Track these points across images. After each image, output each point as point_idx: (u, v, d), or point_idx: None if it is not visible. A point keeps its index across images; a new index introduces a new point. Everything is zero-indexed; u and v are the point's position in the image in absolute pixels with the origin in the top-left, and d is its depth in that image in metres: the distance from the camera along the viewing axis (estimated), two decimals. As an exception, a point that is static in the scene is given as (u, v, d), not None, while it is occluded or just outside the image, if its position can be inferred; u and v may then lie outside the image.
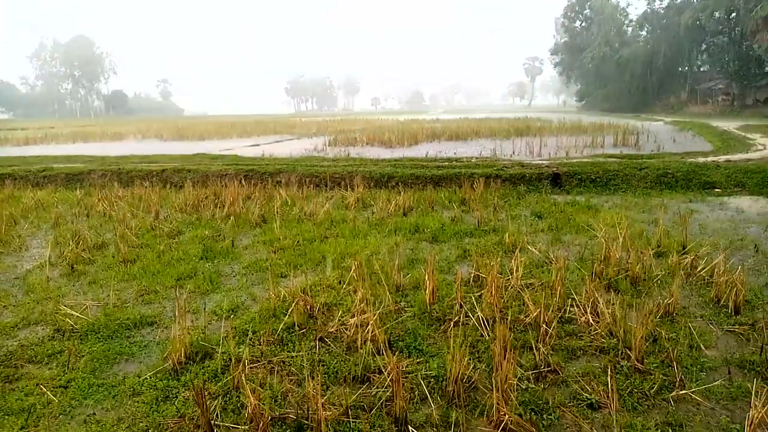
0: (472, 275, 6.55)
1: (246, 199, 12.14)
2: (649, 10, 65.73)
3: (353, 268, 6.43)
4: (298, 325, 5.27)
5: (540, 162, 14.70)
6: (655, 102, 63.78)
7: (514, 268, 6.52)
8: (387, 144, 24.59)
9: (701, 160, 14.46)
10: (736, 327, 5.04)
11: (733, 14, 52.84)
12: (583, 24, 78.33)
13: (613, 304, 5.52)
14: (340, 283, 6.49)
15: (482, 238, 8.57)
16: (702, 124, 31.76)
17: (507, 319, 5.26)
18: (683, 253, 7.18)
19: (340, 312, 5.58)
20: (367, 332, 4.81)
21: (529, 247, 7.41)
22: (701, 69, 64.65)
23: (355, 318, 5.13)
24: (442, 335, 5.07)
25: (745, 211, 10.22)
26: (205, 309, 5.88)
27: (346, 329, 5.07)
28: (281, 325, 5.17)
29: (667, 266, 6.84)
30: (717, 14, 55.49)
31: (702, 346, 4.69)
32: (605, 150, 19.02)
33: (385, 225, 9.56)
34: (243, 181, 13.88)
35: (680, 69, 64.30)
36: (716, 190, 12.15)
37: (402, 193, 12.43)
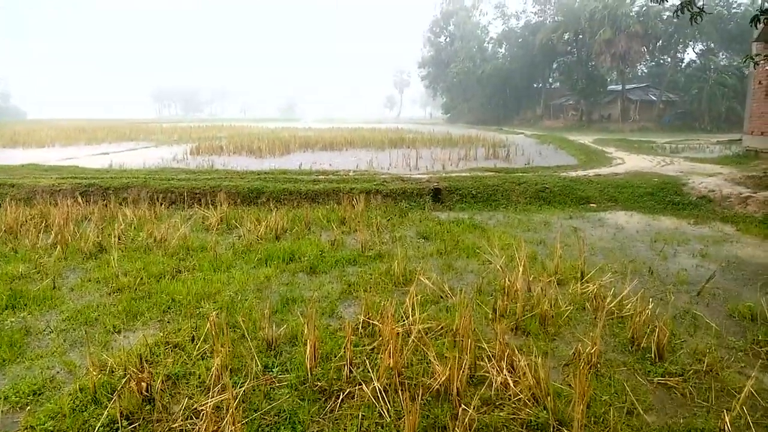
0: (361, 321, 5.39)
1: (81, 222, 10.07)
2: (506, 28, 69.69)
3: (211, 318, 5.00)
4: (126, 417, 3.77)
5: (419, 176, 14.03)
6: (514, 116, 67.59)
7: (410, 309, 5.48)
8: (256, 153, 22.91)
9: (573, 174, 14.64)
10: (667, 378, 4.37)
11: (581, 36, 57.39)
12: (447, 39, 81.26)
13: (528, 353, 4.67)
14: (192, 340, 5.02)
15: (368, 267, 7.48)
16: (560, 137, 33.59)
17: (410, 385, 4.18)
18: (584, 281, 6.61)
19: (191, 388, 4.16)
20: (225, 425, 3.46)
21: (422, 279, 6.43)
22: (554, 86, 69.60)
23: (210, 399, 3.75)
24: (328, 418, 3.85)
25: (624, 228, 10.15)
26: (-9, 393, 4.15)
27: (197, 420, 3.67)
28: (100, 422, 3.65)
29: (572, 298, 6.20)
30: (567, 35, 60.07)
31: (640, 410, 3.92)
32: (479, 162, 18.97)
33: (253, 252, 8.14)
34: (80, 198, 11.65)
35: (535, 85, 68.76)
36: (591, 205, 12.17)
37: (274, 211, 11.06)
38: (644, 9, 49.87)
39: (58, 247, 8.14)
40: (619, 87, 55.72)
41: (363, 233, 8.71)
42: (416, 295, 5.68)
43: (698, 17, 9.72)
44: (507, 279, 6.40)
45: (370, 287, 6.60)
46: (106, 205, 11.35)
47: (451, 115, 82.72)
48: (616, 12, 48.81)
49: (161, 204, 11.81)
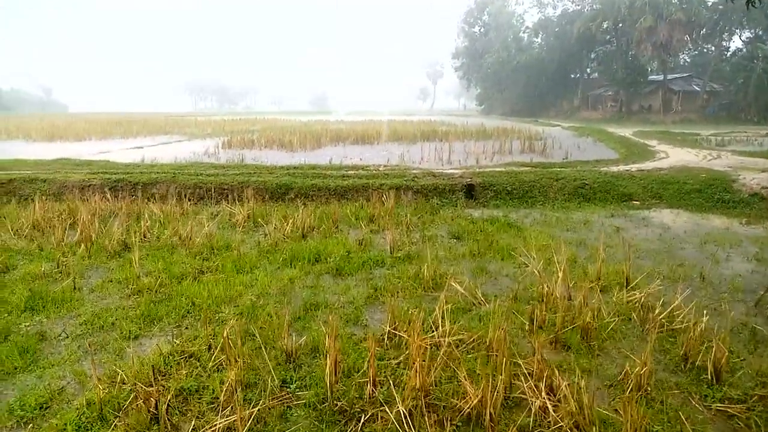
0: (387, 331, 5.05)
1: (108, 218, 9.98)
2: (542, 17, 68.04)
3: (229, 325, 4.73)
4: (132, 438, 3.52)
5: (452, 171, 13.58)
6: (550, 107, 66.08)
7: (439, 318, 5.12)
8: (287, 147, 22.72)
9: (614, 169, 13.97)
10: (727, 405, 3.91)
11: (620, 25, 55.62)
12: (482, 29, 79.88)
13: (570, 371, 4.26)
14: (209, 349, 4.76)
15: (396, 269, 7.13)
16: (599, 129, 32.53)
17: (438, 408, 3.82)
18: (629, 288, 6.13)
19: (202, 405, 3.89)
20: (236, 453, 3.17)
21: (453, 284, 6.04)
22: (591, 76, 67.72)
23: (219, 421, 3.47)
24: (349, 445, 3.53)
25: (671, 228, 9.54)
26: (-2, 406, 3.96)
27: (205, 445, 3.39)
28: (103, 445, 3.40)
29: (617, 308, 5.72)
30: (605, 24, 58.32)
31: (700, 444, 3.49)
32: (514, 156, 18.35)
33: (278, 252, 7.87)
34: (109, 193, 11.60)
35: (572, 76, 67.02)
36: (634, 202, 11.55)
37: (302, 207, 10.80)
38: (687, -5, 47.92)
39: (82, 245, 8.03)
40: (661, 77, 53.80)
41: (392, 232, 8.35)
42: (446, 303, 5.32)
43: (755, 1, 9.01)
44: (545, 285, 5.98)
45: (398, 292, 6.25)
46: (135, 201, 11.27)
47: (485, 106, 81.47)
48: (657, -1, 47.04)
49: (189, 200, 11.68)
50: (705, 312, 5.19)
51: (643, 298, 5.72)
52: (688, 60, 60.97)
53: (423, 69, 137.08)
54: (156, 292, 6.29)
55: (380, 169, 14.17)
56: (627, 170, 13.78)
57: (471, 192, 12.00)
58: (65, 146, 24.53)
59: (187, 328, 5.35)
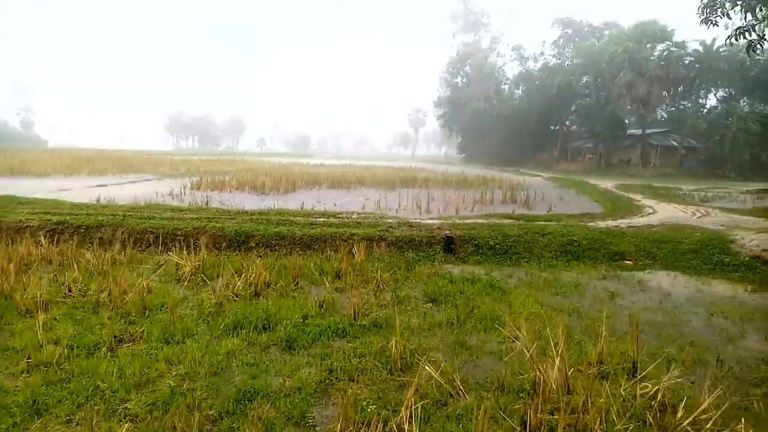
0: (337, 438, 3.87)
1: (38, 266, 8.70)
2: (523, 70, 69.05)
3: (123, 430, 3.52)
4: None
5: (430, 221, 12.57)
6: (530, 157, 66.29)
7: (406, 418, 3.97)
8: (259, 189, 21.64)
9: (602, 224, 13.10)
10: None
11: (600, 79, 56.46)
12: (464, 80, 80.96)
13: None
14: (92, 465, 3.53)
15: (359, 342, 5.96)
16: (580, 181, 32.13)
17: None
18: (636, 379, 5.04)
19: None
20: None
21: (426, 367, 4.90)
22: (571, 128, 68.41)
23: None
24: None
25: (671, 295, 8.55)
26: None
27: None
28: None
29: (626, 404, 4.62)
30: (585, 78, 59.22)
31: None
32: (495, 207, 17.49)
33: (222, 315, 6.67)
34: (44, 237, 10.30)
35: (552, 127, 67.59)
36: (627, 262, 10.59)
37: (261, 258, 9.67)
38: (665, 53, 48.79)
39: (-11, 301, 6.74)
40: (639, 131, 54.38)
41: (357, 293, 7.22)
42: (417, 393, 4.19)
43: (757, 46, 8.40)
44: (538, 370, 4.86)
45: (358, 375, 5.08)
46: (74, 246, 10.00)
47: (466, 155, 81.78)
48: (636, 56, 47.76)
49: (137, 246, 10.46)
50: (741, 418, 4.12)
51: (657, 393, 4.64)
52: (665, 115, 61.84)
53: (406, 116, 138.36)
54: (56, 368, 5.03)
55: (353, 217, 13.11)
56: (616, 226, 12.91)
57: (450, 245, 10.97)
58: (23, 183, 23.14)
59: (78, 424, 4.11)
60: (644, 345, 5.97)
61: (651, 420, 4.37)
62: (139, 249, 10.49)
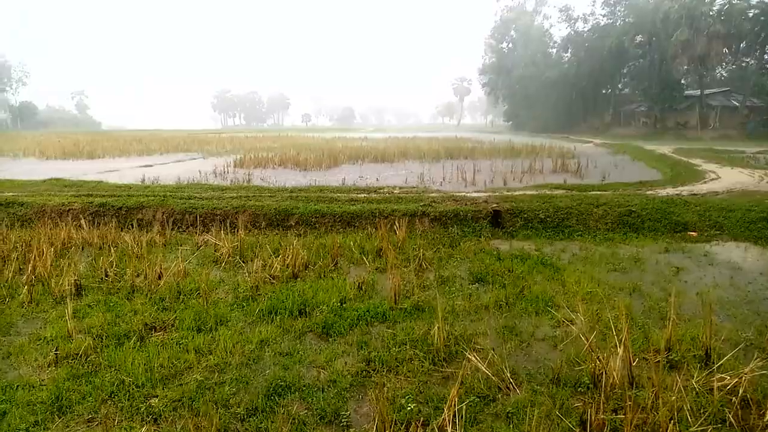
0: (372, 443, 3.50)
1: (73, 250, 8.65)
2: (572, 32, 66.10)
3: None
4: None
5: (476, 195, 11.99)
6: (580, 123, 63.84)
7: (449, 417, 3.56)
8: (302, 166, 21.39)
9: (662, 193, 12.22)
10: None
11: (654, 39, 53.50)
12: (510, 45, 78.39)
13: None
14: (109, 472, 3.27)
15: (400, 327, 5.57)
16: (635, 147, 30.59)
17: None
18: (711, 369, 4.45)
19: None
20: None
21: (471, 357, 4.46)
22: (624, 91, 65.37)
23: None
24: None
25: (742, 268, 7.79)
26: None
27: None
28: None
29: (700, 400, 4.06)
30: (639, 38, 56.22)
31: None
32: (545, 177, 16.69)
33: (258, 300, 6.39)
34: (84, 220, 10.30)
35: (604, 91, 64.72)
36: (691, 233, 9.79)
37: (300, 236, 9.40)
38: (726, 7, 45.55)
39: (26, 287, 6.66)
40: (697, 92, 51.33)
41: (398, 274, 6.80)
42: (462, 387, 3.77)
43: None
44: (597, 360, 4.36)
45: (398, 366, 4.69)
46: (115, 228, 9.95)
47: (513, 122, 79.63)
48: (694, 11, 44.82)
49: (177, 227, 10.36)
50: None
51: (737, 387, 4.06)
52: (725, 74, 58.28)
53: (450, 85, 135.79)
54: (83, 359, 4.84)
55: (395, 191, 12.65)
56: (677, 194, 12.00)
57: (497, 220, 10.40)
58: (74, 165, 23.67)
59: (99, 424, 3.88)
60: (717, 328, 5.34)
61: (731, 419, 3.80)
62: (179, 230, 10.38)
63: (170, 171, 19.52)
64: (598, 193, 12.09)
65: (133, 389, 4.30)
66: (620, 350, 4.36)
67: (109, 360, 4.80)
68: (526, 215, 10.39)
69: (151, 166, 22.65)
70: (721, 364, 4.48)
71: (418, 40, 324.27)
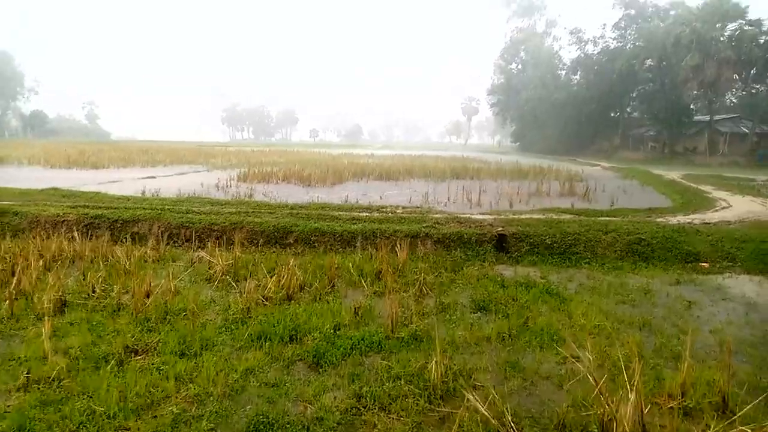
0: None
1: (63, 263, 8.38)
2: (582, 54, 66.13)
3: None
4: None
5: (481, 217, 11.69)
6: (588, 146, 63.55)
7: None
8: (306, 181, 21.16)
9: (672, 221, 11.87)
10: None
11: (664, 63, 53.40)
12: (519, 66, 78.61)
13: None
14: None
15: (395, 358, 5.24)
16: (644, 171, 30.27)
17: None
18: (732, 420, 4.09)
19: None
20: None
21: (469, 395, 4.13)
22: (632, 115, 65.13)
23: None
24: None
25: (757, 304, 7.43)
26: None
27: None
28: None
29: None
30: (648, 62, 56.16)
31: None
32: (552, 200, 16.39)
33: (248, 322, 6.08)
34: (77, 232, 10.05)
35: (612, 114, 64.47)
36: (703, 264, 9.44)
37: (298, 255, 9.12)
38: (737, 33, 45.43)
39: (6, 303, 6.37)
40: (707, 117, 51.03)
41: (398, 299, 6.49)
42: (459, 428, 3.44)
43: None
44: (606, 404, 4.01)
45: (391, 403, 4.35)
46: (108, 241, 9.70)
47: (521, 143, 79.51)
48: (705, 36, 44.70)
49: (172, 241, 10.11)
50: None
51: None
52: (735, 100, 58.01)
53: (458, 104, 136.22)
54: (56, 384, 4.53)
55: (397, 211, 12.36)
56: (688, 222, 11.65)
57: (502, 244, 10.08)
58: (77, 174, 23.59)
59: (62, 462, 3.56)
60: (734, 371, 4.99)
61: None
62: (175, 245, 10.12)
63: (172, 183, 19.35)
64: (607, 219, 11.77)
65: (103, 420, 3.99)
66: (632, 395, 4.02)
67: (83, 386, 4.50)
68: (532, 240, 10.07)
69: (153, 177, 22.48)
70: (742, 414, 4.13)
71: (427, 57, 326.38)
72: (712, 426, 4.01)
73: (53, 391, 4.43)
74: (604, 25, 62.55)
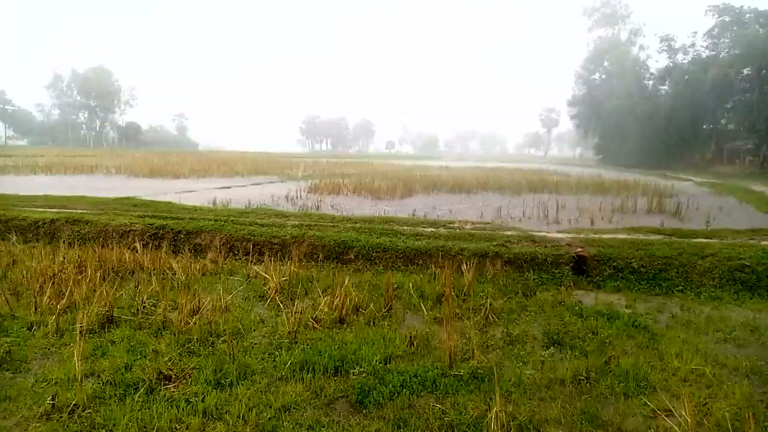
0: None
1: (120, 275, 8.29)
2: (670, 64, 62.43)
3: None
4: None
5: (558, 236, 10.73)
6: (677, 159, 59.68)
7: None
8: (375, 194, 20.77)
9: (782, 244, 10.40)
10: None
11: (764, 71, 49.41)
12: (603, 76, 75.44)
13: None
14: None
15: (450, 402, 4.56)
16: (742, 187, 27.73)
17: None
18: None
19: None
20: None
21: (536, 461, 3.40)
22: (727, 127, 60.70)
23: None
24: None
25: None
26: None
27: None
28: None
29: None
30: (746, 71, 52.19)
31: None
32: (638, 217, 15.06)
33: (293, 349, 5.59)
34: (143, 243, 10.03)
35: (704, 126, 60.29)
36: (823, 297, 8.08)
37: (357, 272, 8.62)
38: None
39: (54, 316, 6.22)
40: (814, 130, 46.63)
41: (460, 327, 5.80)
42: None
43: None
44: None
45: (441, 463, 3.69)
46: (169, 252, 9.62)
47: (603, 156, 76.08)
48: (813, 41, 40.95)
49: (233, 254, 9.89)
50: None
51: None
52: None
53: (537, 116, 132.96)
54: (78, 414, 4.20)
55: (466, 227, 11.60)
56: (803, 247, 10.16)
57: (582, 266, 9.13)
58: (157, 183, 24.41)
59: None
60: None
61: None
62: (236, 257, 9.89)
63: (245, 193, 19.52)
64: (703, 240, 10.47)
65: (116, 463, 3.57)
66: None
67: (105, 417, 4.13)
68: (615, 263, 9.04)
69: (229, 187, 22.88)
70: None
71: (506, 67, 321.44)
72: None
73: (74, 421, 4.09)
74: (695, 33, 58.88)
